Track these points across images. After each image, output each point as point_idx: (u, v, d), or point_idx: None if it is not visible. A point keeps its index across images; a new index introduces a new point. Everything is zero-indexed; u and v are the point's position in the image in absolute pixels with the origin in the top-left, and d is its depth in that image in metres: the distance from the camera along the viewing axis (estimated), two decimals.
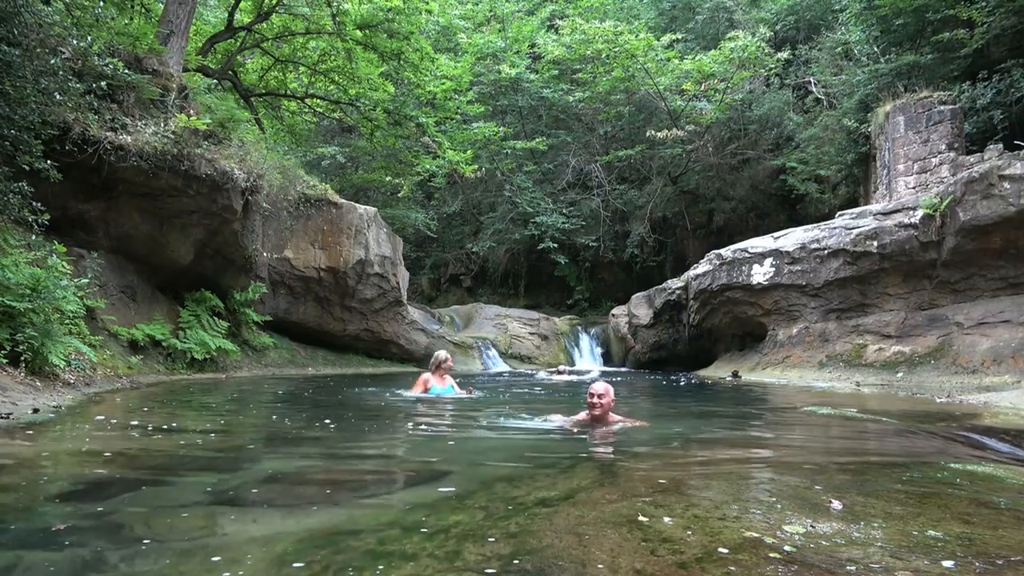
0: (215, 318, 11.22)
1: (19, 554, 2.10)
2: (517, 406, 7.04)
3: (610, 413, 5.19)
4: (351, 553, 2.12)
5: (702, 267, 15.26)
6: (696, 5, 24.35)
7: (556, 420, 5.45)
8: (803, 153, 18.69)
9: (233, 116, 11.01)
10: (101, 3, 10.36)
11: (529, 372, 15.32)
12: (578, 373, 14.89)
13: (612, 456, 4.19)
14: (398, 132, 19.16)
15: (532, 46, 24.26)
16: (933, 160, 13.77)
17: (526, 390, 9.96)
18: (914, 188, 13.72)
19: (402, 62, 16.91)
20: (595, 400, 5.11)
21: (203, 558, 2.07)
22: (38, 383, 6.49)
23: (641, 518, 2.37)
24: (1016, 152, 10.83)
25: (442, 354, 7.73)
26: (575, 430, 5.10)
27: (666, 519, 2.36)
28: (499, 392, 9.13)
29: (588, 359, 18.49)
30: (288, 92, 18.17)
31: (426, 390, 7.39)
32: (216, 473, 3.50)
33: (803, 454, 4.28)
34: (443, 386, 7.45)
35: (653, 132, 20.64)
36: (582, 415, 5.28)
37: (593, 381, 5.41)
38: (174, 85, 9.95)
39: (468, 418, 5.98)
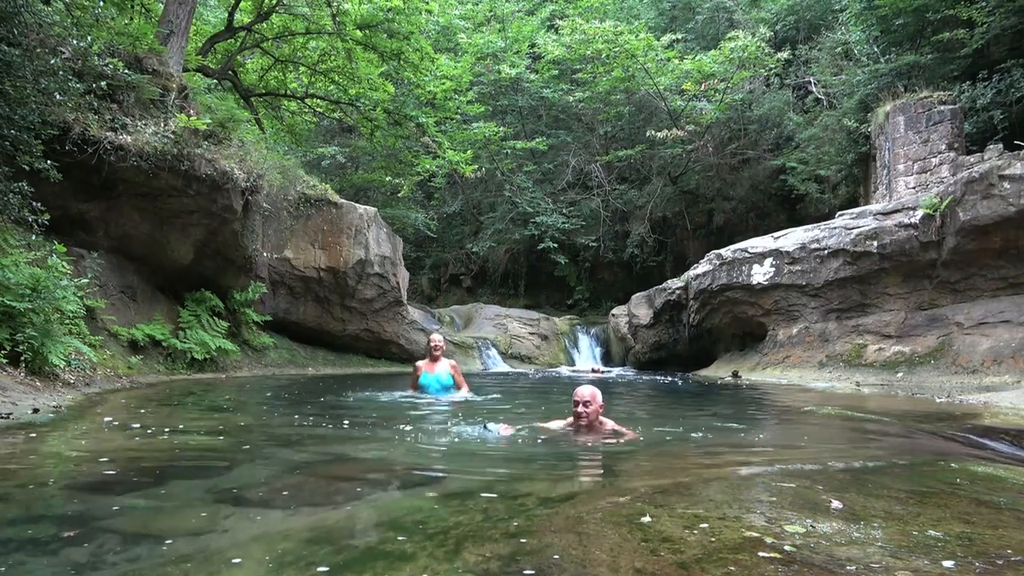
0: (215, 318, 11.22)
1: (20, 554, 2.10)
2: (513, 412, 7.03)
3: (601, 419, 4.65)
4: (351, 553, 2.12)
5: (702, 267, 15.26)
6: (696, 5, 24.35)
7: (551, 426, 4.89)
8: (803, 153, 18.69)
9: (233, 116, 11.01)
10: (101, 3, 10.36)
11: (526, 372, 15.33)
12: (607, 371, 15.87)
13: (611, 457, 4.19)
14: (398, 132, 19.16)
15: (532, 46, 24.25)
16: (933, 160, 13.76)
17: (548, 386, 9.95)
18: (914, 188, 13.72)
19: (402, 62, 16.90)
20: (580, 409, 4.51)
21: (203, 558, 2.07)
22: (38, 383, 6.49)
23: (641, 518, 2.37)
24: (1016, 152, 10.83)
25: (434, 337, 7.70)
26: (552, 439, 4.59)
27: (666, 519, 2.36)
28: (509, 394, 9.12)
29: (588, 359, 18.49)
30: (288, 92, 18.17)
31: (416, 378, 7.39)
32: (216, 473, 3.50)
33: (803, 454, 4.28)
34: (434, 372, 7.36)
35: (653, 132, 20.64)
36: (566, 422, 4.74)
37: (578, 384, 4.80)
38: (174, 85, 9.95)
39: (467, 420, 5.97)
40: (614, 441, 4.58)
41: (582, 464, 4.03)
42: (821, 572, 1.84)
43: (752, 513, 2.47)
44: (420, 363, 7.58)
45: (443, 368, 7.44)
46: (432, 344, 7.58)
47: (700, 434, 5.14)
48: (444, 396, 7.25)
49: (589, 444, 4.47)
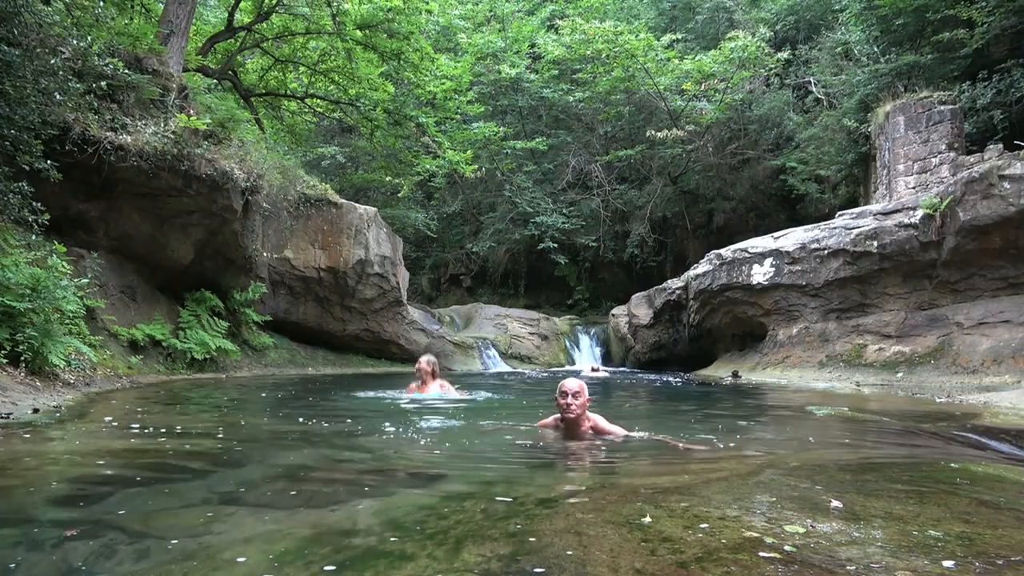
0: (215, 318, 11.22)
1: (20, 555, 2.10)
2: (508, 412, 7.03)
3: (588, 415, 4.47)
4: (351, 553, 2.12)
5: (702, 267, 15.26)
6: (696, 5, 24.35)
7: (541, 423, 4.75)
8: (803, 153, 18.69)
9: (233, 116, 11.02)
10: (101, 3, 10.36)
11: (527, 372, 15.34)
12: (605, 371, 16.04)
13: (611, 457, 4.18)
14: (398, 132, 19.17)
15: (532, 46, 24.26)
16: (933, 160, 13.77)
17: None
18: (914, 188, 13.72)
19: (402, 62, 16.92)
20: (568, 400, 4.30)
21: (203, 558, 2.07)
22: (38, 383, 6.49)
23: (641, 518, 2.37)
24: (1016, 152, 10.83)
25: (420, 360, 7.48)
26: (541, 443, 4.40)
27: (666, 519, 2.36)
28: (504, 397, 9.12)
29: (588, 359, 18.49)
30: (288, 92, 18.17)
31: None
32: (216, 473, 3.50)
33: (803, 454, 4.27)
34: (424, 395, 7.27)
35: (653, 132, 20.64)
36: (550, 419, 4.58)
37: (564, 378, 4.56)
38: (174, 85, 9.96)
39: (467, 420, 5.98)
40: (606, 439, 4.46)
41: (582, 464, 4.03)
42: (821, 572, 1.84)
43: (752, 513, 2.47)
44: (412, 385, 7.52)
45: (433, 391, 7.35)
46: (417, 367, 7.43)
47: (699, 434, 5.13)
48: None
49: (579, 443, 4.35)
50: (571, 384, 4.35)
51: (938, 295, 11.37)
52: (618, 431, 4.57)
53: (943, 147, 13.67)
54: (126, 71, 8.71)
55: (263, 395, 8.45)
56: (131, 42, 9.70)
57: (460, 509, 2.64)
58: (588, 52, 21.00)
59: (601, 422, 4.53)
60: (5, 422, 4.80)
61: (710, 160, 21.47)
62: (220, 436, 4.72)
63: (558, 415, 4.46)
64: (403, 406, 6.94)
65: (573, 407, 4.30)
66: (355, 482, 3.29)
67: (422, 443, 4.66)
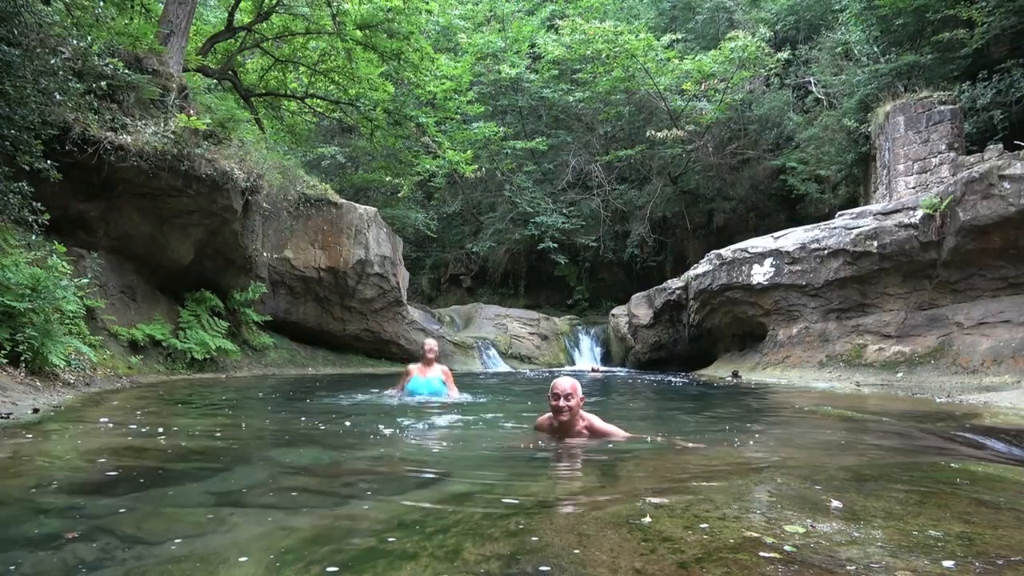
0: (215, 318, 11.22)
1: (19, 555, 2.10)
2: (503, 412, 7.03)
3: (582, 414, 4.35)
4: (351, 553, 2.12)
5: (702, 267, 15.26)
6: (696, 5, 24.35)
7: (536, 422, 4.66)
8: (803, 153, 18.69)
9: (233, 116, 11.02)
10: (101, 3, 10.37)
11: (527, 372, 15.35)
12: (607, 371, 16.15)
13: (611, 457, 4.18)
14: (398, 132, 19.17)
15: (532, 46, 24.26)
16: (933, 160, 13.77)
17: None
18: (914, 188, 13.72)
19: (402, 62, 16.92)
20: (561, 403, 4.16)
21: (204, 558, 2.07)
22: (38, 383, 6.49)
23: (641, 518, 2.37)
24: (1016, 152, 10.83)
25: (428, 342, 7.71)
26: (539, 442, 4.32)
27: (666, 519, 2.36)
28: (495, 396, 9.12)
29: (588, 359, 18.49)
30: (288, 92, 18.18)
31: (406, 381, 7.34)
32: (216, 473, 3.50)
33: (803, 454, 4.27)
34: (425, 377, 7.31)
35: (653, 132, 20.64)
36: (544, 418, 4.48)
37: (556, 377, 4.41)
38: (174, 85, 9.96)
39: (467, 420, 5.98)
40: (598, 439, 4.36)
41: (582, 464, 4.02)
42: (821, 572, 1.84)
43: (752, 513, 2.47)
44: (412, 367, 7.53)
45: (435, 374, 7.39)
46: (426, 348, 7.56)
47: (700, 434, 5.13)
48: (435, 398, 7.22)
49: (577, 443, 4.28)
50: (563, 384, 4.22)
51: (938, 295, 11.37)
52: (613, 430, 4.49)
53: (943, 147, 13.67)
54: (126, 71, 8.71)
55: (263, 395, 8.45)
56: (131, 42, 9.70)
57: (460, 509, 2.64)
58: (588, 52, 21.00)
59: (596, 422, 4.44)
60: (5, 422, 4.80)
61: (710, 160, 21.46)
62: (220, 436, 4.72)
63: (549, 416, 4.38)
64: (403, 406, 6.94)
65: (565, 408, 4.18)
66: (355, 482, 3.29)
67: (421, 443, 4.66)
